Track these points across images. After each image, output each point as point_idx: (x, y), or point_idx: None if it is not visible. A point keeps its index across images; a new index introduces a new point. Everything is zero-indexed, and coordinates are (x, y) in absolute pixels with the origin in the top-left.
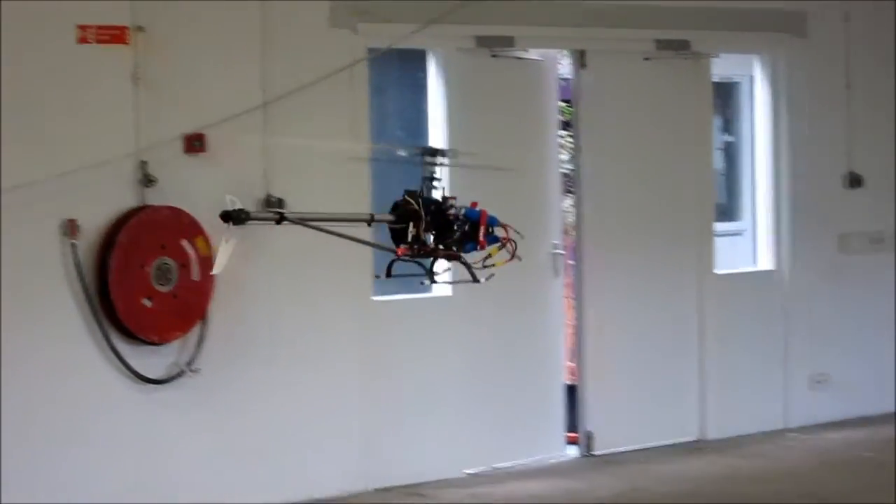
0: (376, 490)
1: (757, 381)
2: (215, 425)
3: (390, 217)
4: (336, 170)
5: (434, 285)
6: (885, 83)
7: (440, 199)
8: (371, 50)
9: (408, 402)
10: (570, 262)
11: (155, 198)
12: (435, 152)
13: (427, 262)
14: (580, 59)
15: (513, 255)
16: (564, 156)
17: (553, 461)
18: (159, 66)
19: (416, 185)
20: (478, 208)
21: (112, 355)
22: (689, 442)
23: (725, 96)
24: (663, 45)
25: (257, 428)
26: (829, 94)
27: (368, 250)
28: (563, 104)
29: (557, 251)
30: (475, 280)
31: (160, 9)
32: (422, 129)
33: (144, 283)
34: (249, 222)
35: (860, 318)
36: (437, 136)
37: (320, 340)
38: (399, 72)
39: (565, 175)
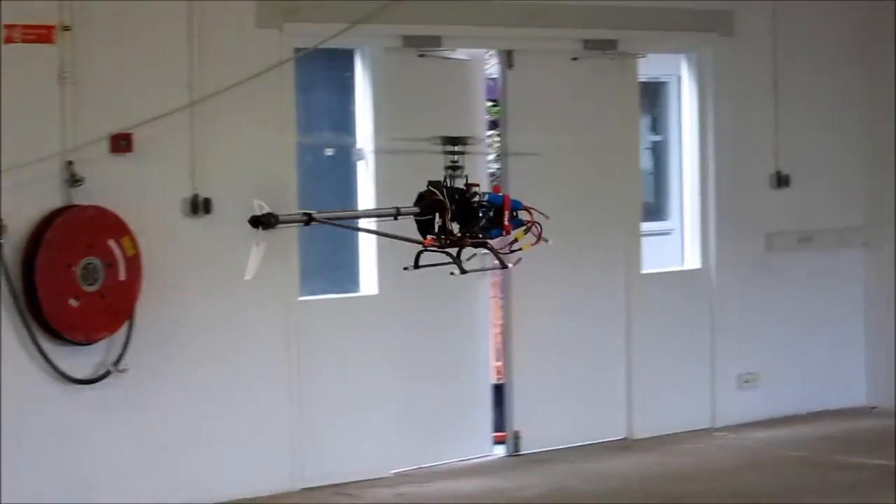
0: (304, 489)
1: (684, 380)
2: (142, 425)
3: (415, 209)
4: (264, 169)
5: (361, 285)
6: (812, 82)
7: (464, 187)
8: (298, 49)
9: (335, 401)
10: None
11: (82, 197)
12: (457, 141)
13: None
14: (507, 58)
15: (539, 238)
16: (492, 155)
17: (480, 460)
18: (86, 65)
19: (346, 182)
20: (500, 193)
21: (38, 355)
22: (617, 441)
23: (653, 96)
24: (590, 44)
25: (185, 427)
26: (756, 94)
27: (294, 251)
28: (491, 104)
29: (485, 251)
30: (503, 266)
31: (87, 8)
32: (350, 128)
33: (71, 283)
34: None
35: (788, 317)
36: (364, 135)
37: (248, 341)
38: (327, 71)
39: (493, 175)
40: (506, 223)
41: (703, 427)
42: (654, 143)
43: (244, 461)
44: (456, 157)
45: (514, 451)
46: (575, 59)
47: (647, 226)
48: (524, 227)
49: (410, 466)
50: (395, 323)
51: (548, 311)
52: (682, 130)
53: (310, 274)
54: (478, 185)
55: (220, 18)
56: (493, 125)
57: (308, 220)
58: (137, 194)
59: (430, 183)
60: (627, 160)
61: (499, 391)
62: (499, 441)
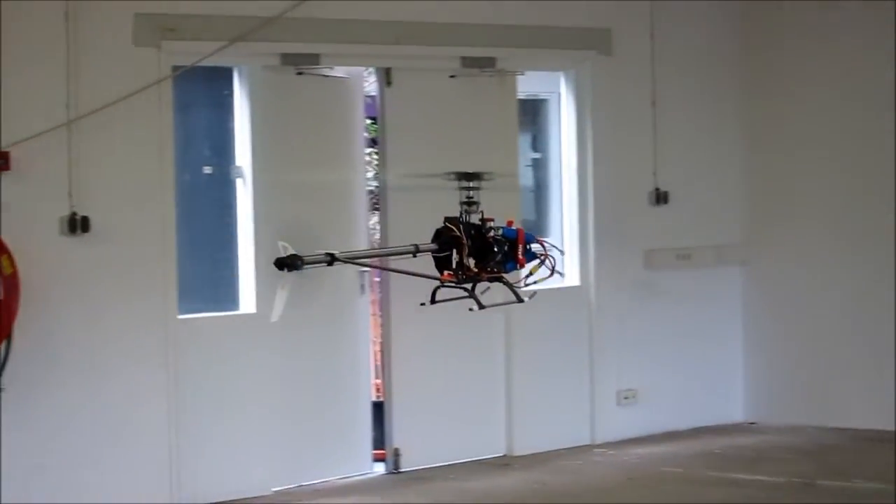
0: None
1: (564, 397)
2: (20, 444)
3: (433, 246)
4: (142, 188)
5: (240, 303)
6: (690, 100)
7: (479, 222)
8: (176, 67)
9: (215, 419)
10: (377, 279)
11: None
12: (471, 176)
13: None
14: (386, 76)
15: (553, 271)
16: (370, 173)
17: (361, 478)
18: None
19: (225, 200)
20: (514, 226)
21: None
22: (497, 458)
23: (533, 113)
24: (469, 62)
25: (62, 447)
26: (634, 112)
27: (172, 269)
28: (369, 122)
29: (363, 269)
30: (519, 300)
31: None
32: (228, 147)
33: None
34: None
35: (667, 333)
36: (243, 154)
37: (126, 359)
38: (205, 90)
39: (371, 192)
40: (520, 256)
41: (582, 444)
42: (535, 160)
43: (122, 480)
44: (471, 193)
45: (395, 469)
46: (453, 76)
47: None
48: (538, 260)
49: (291, 484)
50: (275, 341)
51: (427, 328)
52: (562, 148)
53: (188, 292)
54: (493, 220)
55: (97, 36)
56: (372, 143)
57: (331, 260)
58: (15, 213)
59: (447, 219)
60: (507, 177)
61: (378, 409)
62: (379, 459)
